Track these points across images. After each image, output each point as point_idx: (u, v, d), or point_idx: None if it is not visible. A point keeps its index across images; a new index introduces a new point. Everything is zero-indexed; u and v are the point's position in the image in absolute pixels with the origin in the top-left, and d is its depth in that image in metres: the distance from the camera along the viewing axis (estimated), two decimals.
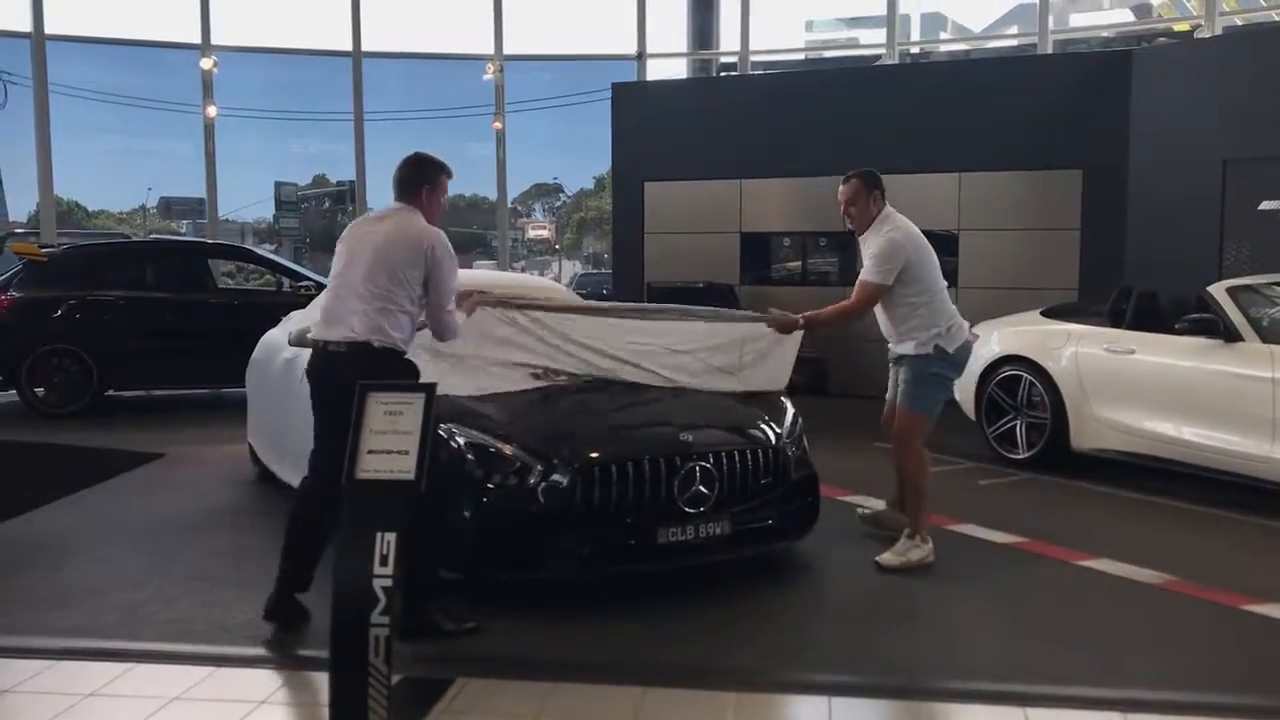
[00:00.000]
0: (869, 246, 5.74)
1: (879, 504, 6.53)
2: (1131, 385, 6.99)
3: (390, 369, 4.35)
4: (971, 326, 8.31)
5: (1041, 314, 7.99)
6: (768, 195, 11.58)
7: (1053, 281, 10.28)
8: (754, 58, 15.26)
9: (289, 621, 4.50)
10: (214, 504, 6.64)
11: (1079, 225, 10.39)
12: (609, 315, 5.76)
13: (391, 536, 3.49)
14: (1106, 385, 7.11)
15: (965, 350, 5.77)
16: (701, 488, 4.77)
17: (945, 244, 10.84)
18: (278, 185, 42.36)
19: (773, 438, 5.14)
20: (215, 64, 12.14)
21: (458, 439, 4.77)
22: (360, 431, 3.60)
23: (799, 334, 6.09)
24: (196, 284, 10.77)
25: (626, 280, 11.72)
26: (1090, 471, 7.24)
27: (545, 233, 45.44)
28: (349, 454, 3.57)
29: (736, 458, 4.90)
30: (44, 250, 10.54)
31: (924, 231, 9.57)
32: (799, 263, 11.62)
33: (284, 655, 4.27)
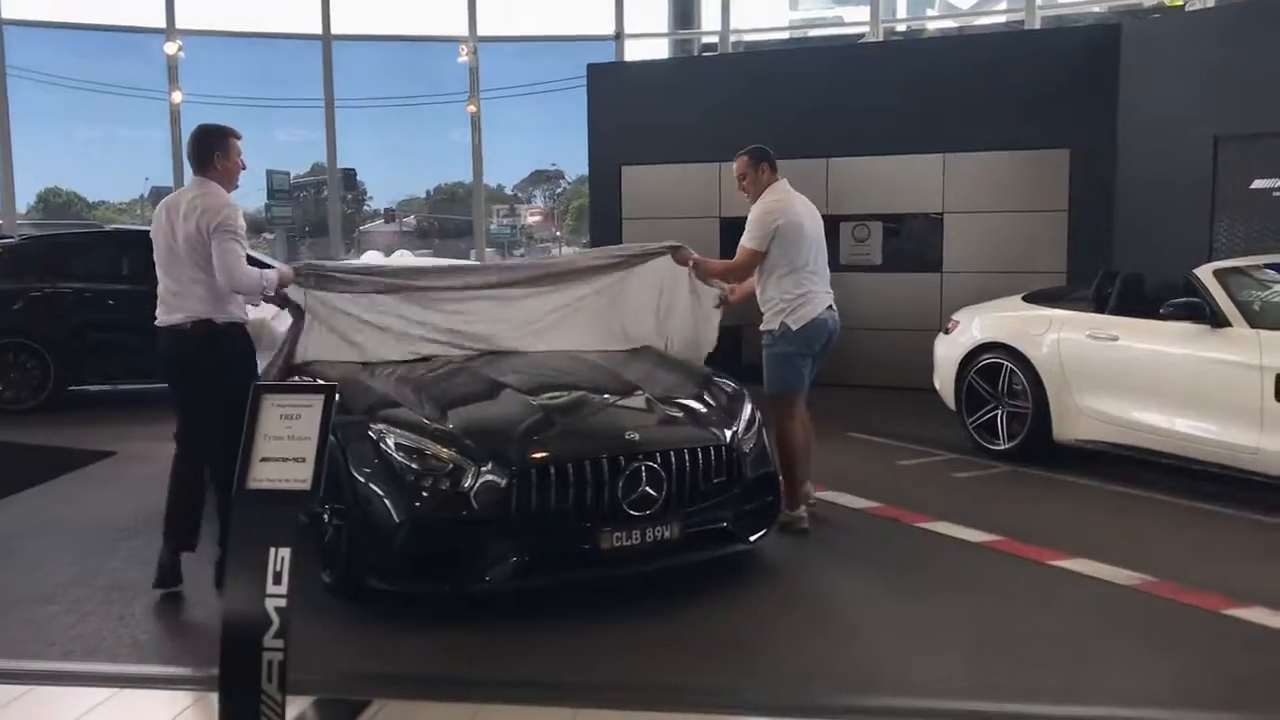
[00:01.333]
0: (751, 212, 5.99)
1: (855, 500, 6.26)
2: (1115, 373, 6.68)
3: (234, 340, 4.87)
4: (953, 313, 8.19)
5: (1023, 299, 7.67)
6: None
7: (1040, 265, 9.96)
8: (736, 37, 14.89)
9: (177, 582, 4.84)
10: (155, 506, 6.27)
11: (1067, 207, 10.05)
12: (486, 287, 5.87)
13: (285, 552, 3.20)
14: (1089, 373, 6.80)
15: (815, 328, 5.86)
16: (649, 489, 4.47)
17: (930, 227, 10.56)
18: (269, 174, 42.03)
19: (726, 434, 4.83)
20: (180, 49, 11.81)
21: (388, 440, 4.47)
22: (254, 437, 3.31)
23: (715, 293, 6.34)
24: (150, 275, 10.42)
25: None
26: (1073, 463, 6.94)
27: (539, 219, 45.15)
28: (240, 462, 3.28)
29: (686, 456, 4.59)
30: (1, 242, 10.23)
31: (907, 215, 9.38)
32: None
33: (189, 675, 3.98)
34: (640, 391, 5.06)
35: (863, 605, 4.66)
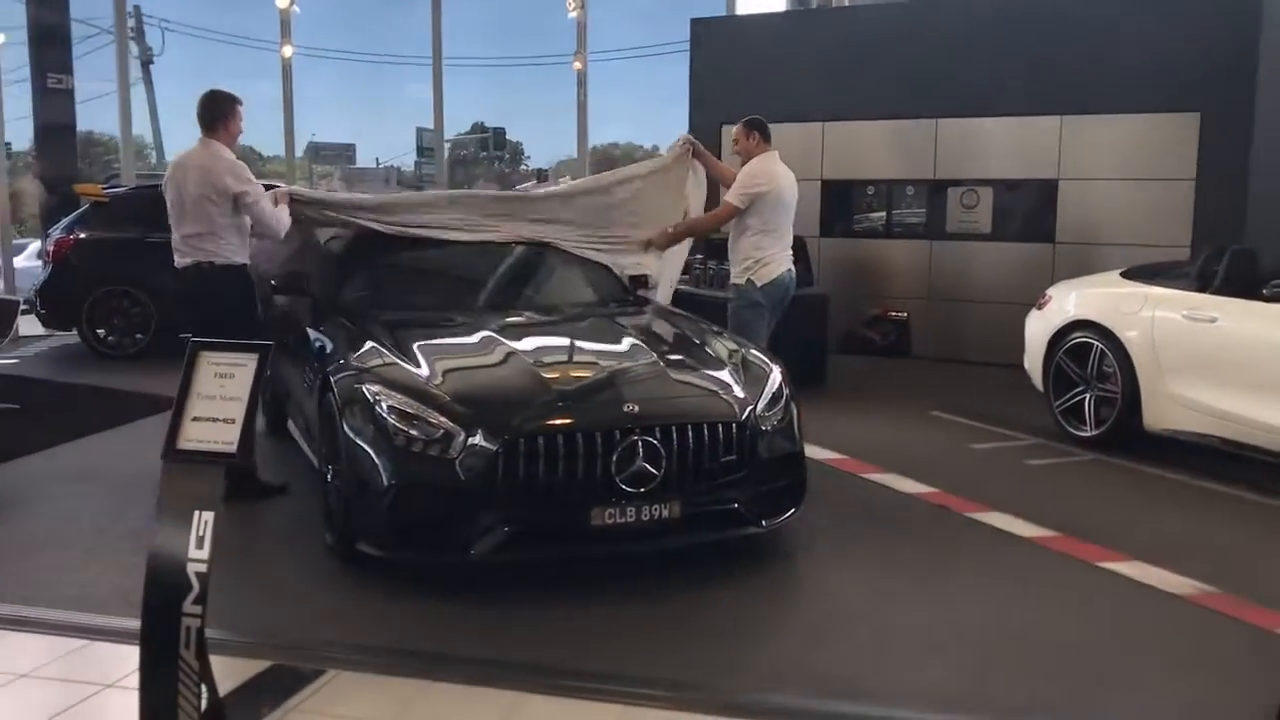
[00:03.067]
0: (739, 173, 6.71)
1: (909, 484, 5.88)
2: (1211, 359, 6.07)
3: (231, 281, 5.45)
4: (1049, 287, 7.61)
5: (1121, 275, 7.05)
6: (852, 139, 10.74)
7: (1162, 238, 9.20)
8: None
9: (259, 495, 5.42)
10: None
11: (1194, 175, 9.23)
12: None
13: (209, 516, 3.09)
14: (1184, 357, 6.20)
15: (777, 285, 6.64)
16: (646, 464, 4.22)
17: (1043, 194, 9.89)
18: (419, 131, 42.98)
19: (740, 410, 4.53)
20: (293, 1, 11.98)
21: (381, 402, 4.34)
22: (187, 395, 3.20)
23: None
24: None
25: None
26: (1163, 455, 6.37)
27: None
28: (171, 419, 3.18)
29: (690, 432, 4.32)
30: (107, 191, 10.57)
31: (1019, 180, 9.57)
32: (884, 213, 10.77)
33: None
34: (656, 360, 4.81)
35: (873, 600, 4.30)
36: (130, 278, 9.96)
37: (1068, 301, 7.13)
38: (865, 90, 10.53)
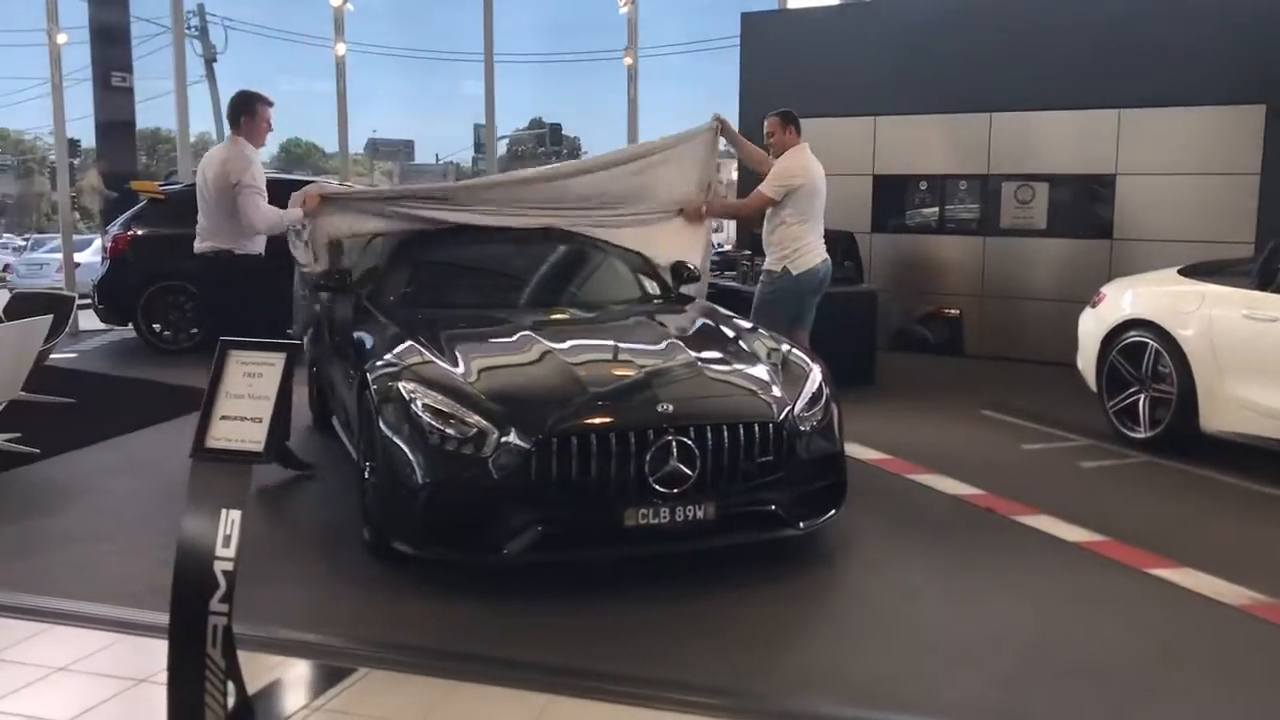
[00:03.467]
0: (775, 165, 6.98)
1: (954, 485, 5.77)
2: (1272, 359, 5.88)
3: (245, 269, 5.84)
4: (1103, 285, 7.43)
5: (1179, 272, 6.86)
6: (904, 134, 10.59)
7: (1225, 234, 8.97)
8: None
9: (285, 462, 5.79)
10: None
11: (1259, 169, 8.98)
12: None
13: (236, 515, 3.10)
14: (1242, 358, 6.02)
15: (812, 275, 6.93)
16: (680, 465, 4.17)
17: (1100, 189, 9.68)
18: (476, 127, 43.25)
19: (778, 410, 4.46)
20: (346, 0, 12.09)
21: (416, 400, 4.33)
22: (216, 394, 3.21)
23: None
24: None
25: (747, 226, 10.94)
26: (1220, 458, 6.19)
27: None
28: (200, 418, 3.19)
29: (726, 432, 4.26)
30: (163, 188, 10.74)
31: (1076, 175, 9.60)
32: (936, 209, 10.61)
33: None
34: (693, 359, 4.75)
35: (911, 605, 4.22)
36: (185, 274, 10.08)
37: (1123, 300, 6.96)
38: (918, 84, 10.38)
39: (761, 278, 7.02)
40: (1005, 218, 10.12)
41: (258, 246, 5.95)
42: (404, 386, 4.41)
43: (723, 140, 7.10)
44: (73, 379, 8.75)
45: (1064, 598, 4.29)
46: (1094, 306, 7.21)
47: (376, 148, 50.25)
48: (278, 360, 3.20)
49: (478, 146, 43.59)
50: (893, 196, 10.74)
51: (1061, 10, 9.77)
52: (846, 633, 4.02)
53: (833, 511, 4.68)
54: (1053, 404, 7.83)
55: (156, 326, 10.23)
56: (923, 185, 10.64)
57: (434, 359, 4.63)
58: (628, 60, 12.50)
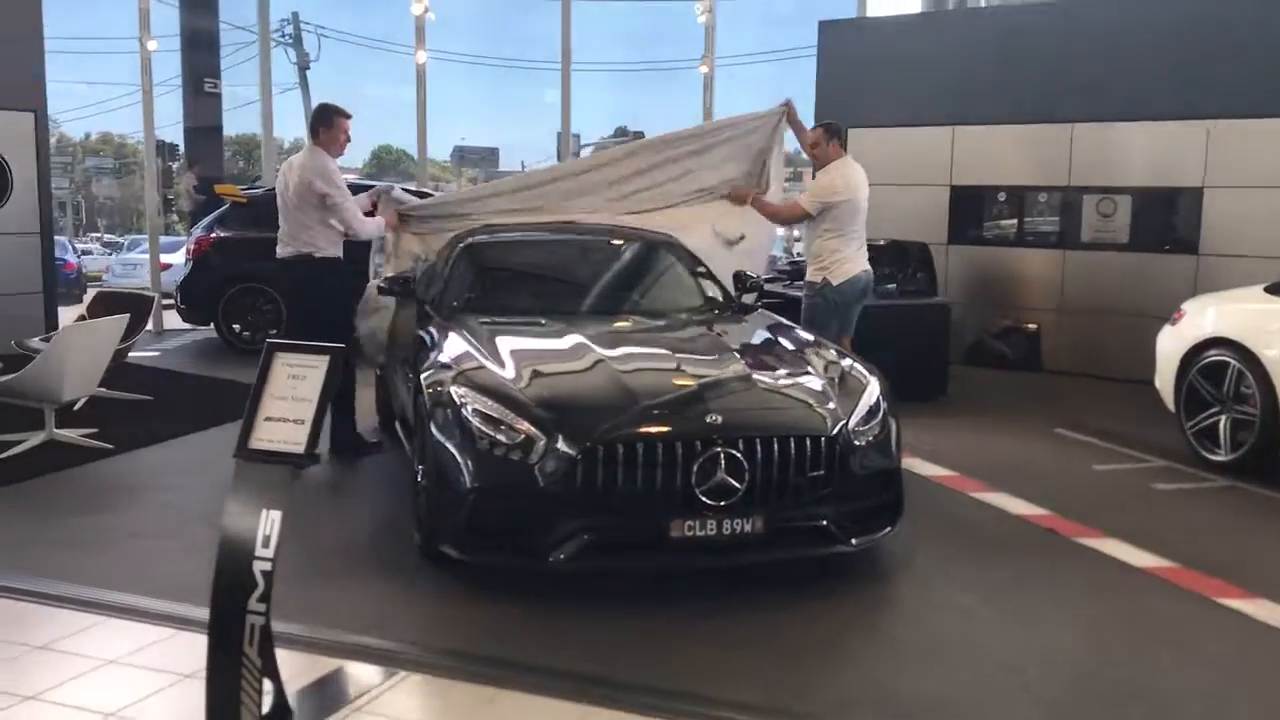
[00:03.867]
0: (817, 179, 7.00)
1: (1018, 505, 5.62)
2: None
3: (325, 272, 6.12)
4: (1184, 302, 7.18)
5: (1265, 289, 6.60)
6: (983, 144, 10.40)
7: None
8: None
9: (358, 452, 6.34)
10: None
11: None
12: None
13: (276, 515, 3.13)
14: None
15: (853, 285, 6.90)
16: (728, 477, 4.12)
17: (1187, 203, 9.38)
18: (559, 135, 43.60)
19: (831, 423, 4.38)
20: (428, 8, 12.24)
21: (467, 406, 4.35)
22: (261, 395, 3.25)
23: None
24: None
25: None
26: None
27: None
28: (245, 418, 3.24)
29: (776, 445, 4.20)
30: (245, 192, 10.98)
31: (1158, 188, 9.32)
32: (1014, 220, 10.38)
33: None
34: (746, 368, 4.70)
35: (966, 627, 4.09)
36: (264, 276, 10.32)
37: (1203, 317, 6.73)
38: (997, 94, 10.18)
39: (805, 290, 7.04)
40: (1086, 231, 9.86)
41: (337, 250, 6.19)
42: (455, 391, 4.43)
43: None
44: (152, 377, 8.98)
45: (1123, 624, 4.14)
46: (1173, 324, 6.98)
47: (463, 155, 50.85)
48: (321, 363, 3.22)
49: (559, 154, 43.98)
50: (970, 208, 10.54)
51: (1148, 19, 9.50)
52: (897, 652, 3.92)
53: (888, 528, 4.58)
54: (1129, 423, 7.60)
55: (236, 327, 10.45)
56: (1001, 197, 10.42)
57: (487, 364, 4.64)
58: (704, 68, 12.46)
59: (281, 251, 6.21)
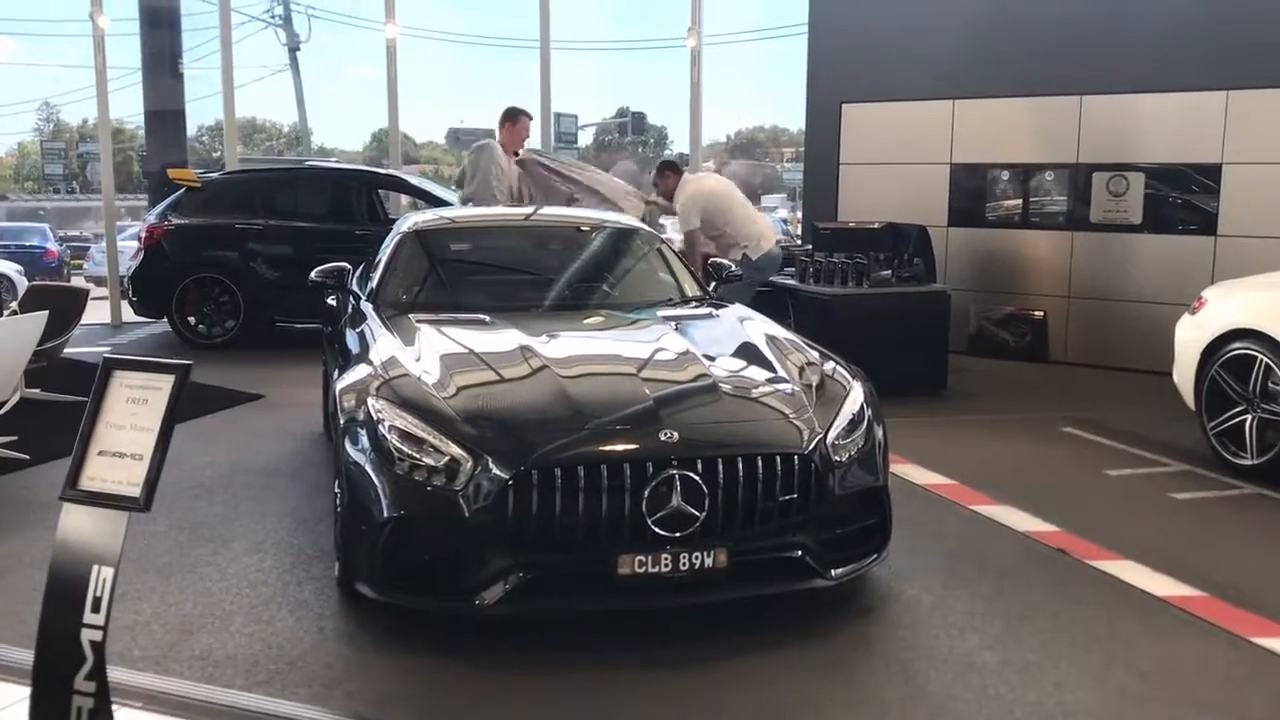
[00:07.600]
0: (677, 207, 8.30)
1: (1024, 520, 5.03)
2: None
3: None
4: (1204, 289, 6.57)
5: None
6: (985, 119, 9.75)
7: None
8: None
9: None
10: (255, 462, 6.00)
11: None
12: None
13: (108, 573, 2.55)
14: None
15: (769, 259, 8.30)
16: (685, 504, 3.53)
17: (1204, 180, 8.75)
18: (557, 116, 43.05)
19: (807, 438, 3.79)
20: None
21: (385, 422, 3.75)
22: (94, 423, 2.66)
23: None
24: (352, 214, 10.20)
25: (818, 219, 10.17)
26: None
27: None
28: (75, 454, 2.65)
29: (740, 465, 3.60)
30: (201, 177, 10.37)
31: (1173, 165, 8.99)
32: (1019, 201, 9.75)
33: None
34: (710, 376, 4.09)
35: (962, 675, 3.49)
36: (221, 265, 9.74)
37: (1227, 306, 6.12)
38: (1000, 65, 9.55)
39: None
40: (1096, 211, 9.24)
41: None
42: (373, 405, 3.83)
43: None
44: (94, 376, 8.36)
45: (1145, 670, 3.54)
46: (1193, 313, 6.37)
47: (458, 136, 50.15)
48: (165, 383, 2.64)
49: (558, 135, 43.34)
50: (971, 187, 9.91)
51: None
52: (887, 710, 3.32)
53: (873, 556, 4.00)
54: (1144, 420, 7.01)
55: (191, 320, 9.85)
56: (1004, 175, 9.79)
57: (412, 372, 4.04)
58: (690, 43, 11.81)
59: None
